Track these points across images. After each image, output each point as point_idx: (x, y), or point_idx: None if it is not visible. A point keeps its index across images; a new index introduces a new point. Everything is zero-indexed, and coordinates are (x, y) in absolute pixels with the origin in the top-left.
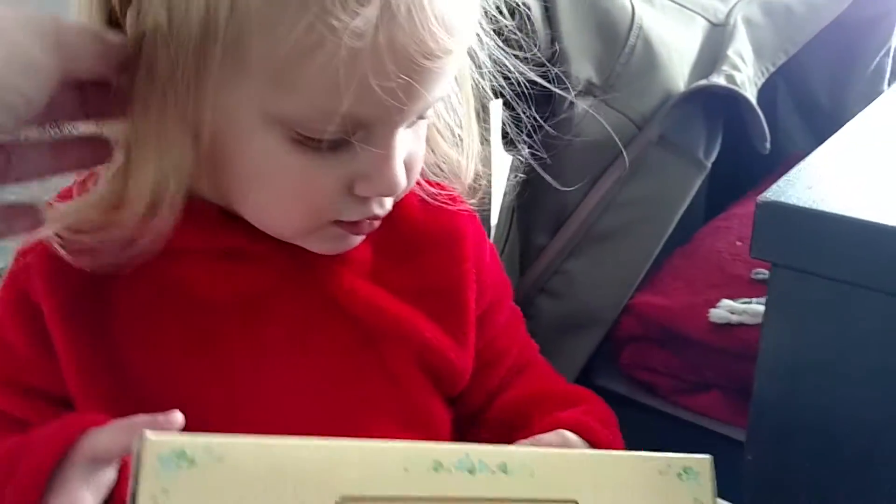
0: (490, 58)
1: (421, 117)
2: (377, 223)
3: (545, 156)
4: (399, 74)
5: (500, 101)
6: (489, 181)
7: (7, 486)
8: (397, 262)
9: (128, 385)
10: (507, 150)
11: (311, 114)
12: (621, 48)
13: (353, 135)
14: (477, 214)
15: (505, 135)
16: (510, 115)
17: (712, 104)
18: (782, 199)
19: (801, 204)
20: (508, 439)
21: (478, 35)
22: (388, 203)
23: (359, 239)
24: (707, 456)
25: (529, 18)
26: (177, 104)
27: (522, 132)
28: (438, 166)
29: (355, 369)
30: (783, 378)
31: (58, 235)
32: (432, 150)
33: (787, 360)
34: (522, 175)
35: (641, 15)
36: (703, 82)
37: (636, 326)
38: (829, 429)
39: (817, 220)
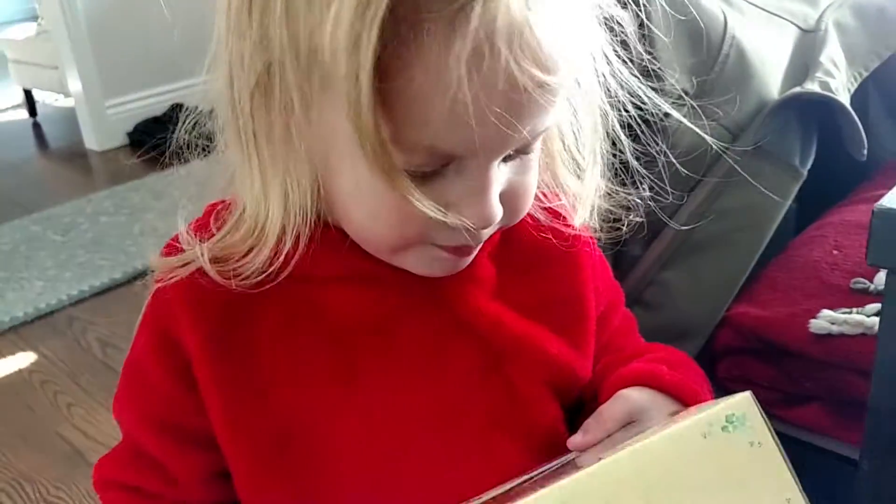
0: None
1: (523, 152)
2: (475, 251)
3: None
4: (492, 109)
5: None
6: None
7: None
8: (519, 277)
9: (270, 415)
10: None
11: (400, 143)
12: (715, 58)
13: (446, 166)
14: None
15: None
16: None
17: (807, 111)
18: None
19: None
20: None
21: (608, 61)
22: (485, 234)
23: (463, 263)
24: (745, 393)
25: (624, 31)
26: (296, 129)
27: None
28: (557, 195)
29: (483, 390)
30: None
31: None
32: (552, 178)
33: None
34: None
35: (733, 24)
36: (797, 90)
37: (733, 338)
38: None
39: None
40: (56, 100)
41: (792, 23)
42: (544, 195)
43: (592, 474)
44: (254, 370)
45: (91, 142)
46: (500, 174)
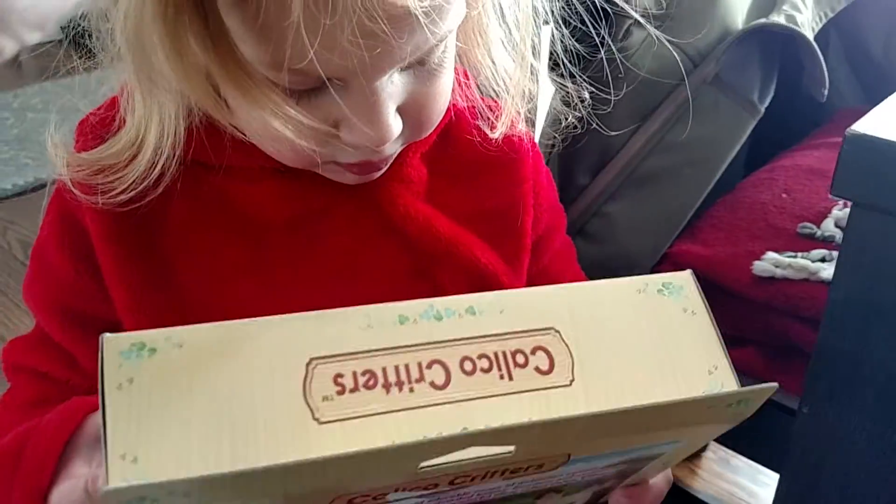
0: None
1: (421, 62)
2: (387, 163)
3: (592, 90)
4: (344, 35)
5: (550, 26)
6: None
7: (17, 472)
8: (454, 183)
9: (177, 302)
10: (553, 80)
11: (268, 65)
12: None
13: (329, 83)
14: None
15: (553, 63)
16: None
17: (770, 45)
18: (874, 133)
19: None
20: None
21: None
22: (388, 150)
23: (377, 174)
24: (686, 271)
25: None
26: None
27: (570, 62)
28: (492, 82)
29: (408, 294)
30: (852, 329)
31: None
32: (491, 60)
33: (860, 309)
34: (570, 111)
35: None
36: (762, 20)
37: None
38: None
39: None
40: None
41: None
42: (485, 103)
43: (523, 293)
44: (159, 257)
45: None
46: (395, 87)
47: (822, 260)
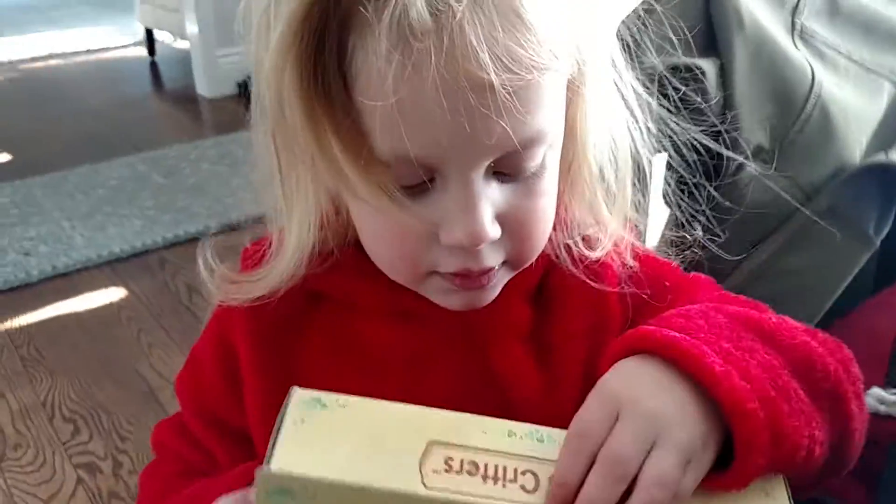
0: (658, 119)
1: (516, 171)
2: (490, 281)
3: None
4: (434, 108)
5: (664, 156)
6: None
7: None
8: (552, 319)
9: None
10: (667, 204)
11: (372, 156)
12: (797, 116)
13: (432, 182)
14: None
15: (665, 195)
16: (674, 178)
17: (889, 179)
18: None
19: None
20: None
21: (634, 91)
22: (488, 260)
23: (481, 297)
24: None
25: (704, 81)
26: (302, 168)
27: (685, 195)
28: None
29: None
30: None
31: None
32: (589, 211)
33: None
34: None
35: (821, 80)
36: (881, 158)
37: None
38: None
39: None
40: (174, 41)
41: (890, 81)
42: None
43: None
44: (291, 383)
45: (202, 87)
46: (491, 191)
47: None
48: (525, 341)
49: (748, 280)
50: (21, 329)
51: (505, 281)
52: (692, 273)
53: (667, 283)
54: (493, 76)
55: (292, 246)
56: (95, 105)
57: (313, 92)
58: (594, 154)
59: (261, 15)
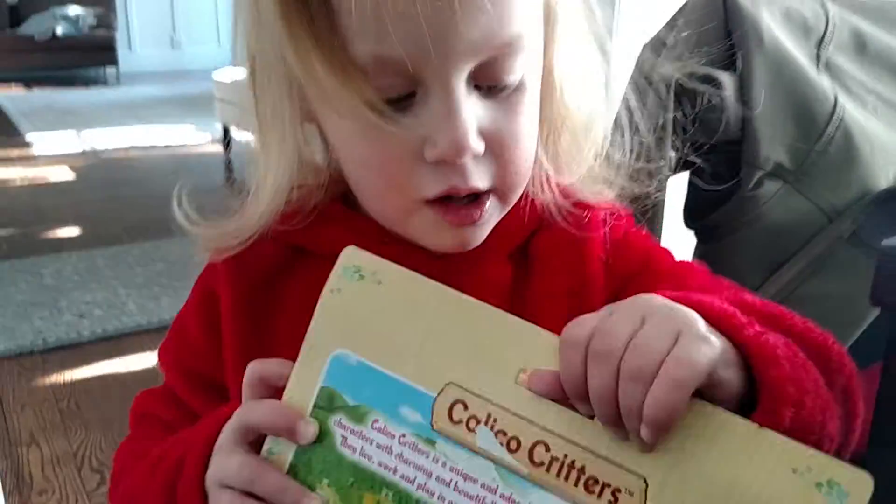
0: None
1: (496, 81)
2: (482, 217)
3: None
4: (423, 3)
5: (686, 174)
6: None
7: (179, 481)
8: (532, 278)
9: None
10: (687, 225)
11: (352, 64)
12: (819, 136)
13: (414, 95)
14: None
15: (688, 210)
16: (690, 183)
17: None
18: None
19: None
20: None
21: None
22: (473, 178)
23: (470, 233)
24: (864, 473)
25: (721, 93)
26: (281, 95)
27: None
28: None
29: None
30: None
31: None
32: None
33: None
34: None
35: (844, 105)
36: None
37: None
38: None
39: None
40: (249, 142)
41: None
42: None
43: None
44: (269, 334)
45: None
46: (473, 104)
47: None
48: (503, 300)
49: None
50: (65, 384)
51: (494, 217)
52: (686, 260)
53: (661, 266)
54: None
55: (269, 185)
56: (164, 192)
57: (291, 1)
58: (571, 99)
59: None
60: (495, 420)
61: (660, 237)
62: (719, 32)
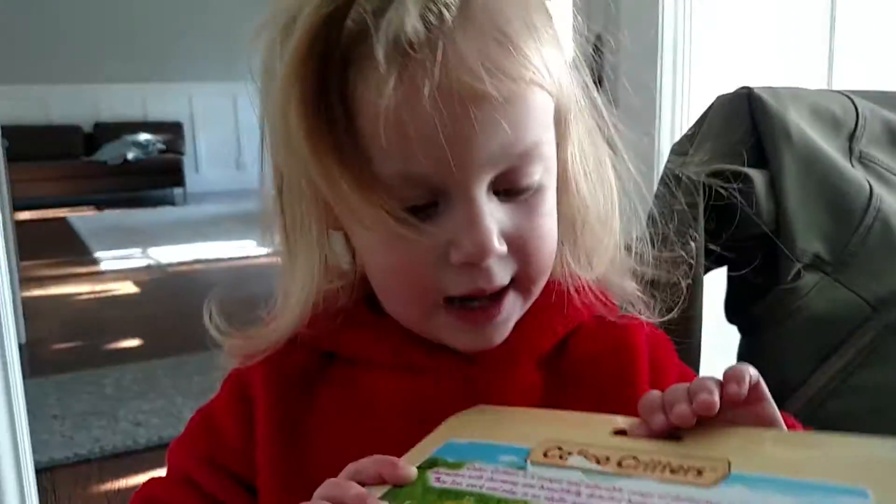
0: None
1: (516, 189)
2: (501, 312)
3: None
4: (434, 120)
5: (723, 270)
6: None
7: None
8: (567, 390)
9: (307, 480)
10: (729, 320)
11: (377, 180)
12: (856, 227)
13: (436, 205)
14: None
15: (729, 304)
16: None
17: None
18: None
19: None
20: None
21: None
22: (496, 278)
23: (491, 332)
24: None
25: (752, 189)
26: (307, 208)
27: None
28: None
29: None
30: None
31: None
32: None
33: None
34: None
35: (881, 195)
36: None
37: None
38: None
39: None
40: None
41: None
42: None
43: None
44: (303, 439)
45: None
46: (494, 209)
47: None
48: (534, 405)
49: (820, 395)
50: (118, 490)
51: (516, 313)
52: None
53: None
54: (487, 85)
55: (296, 293)
56: (224, 302)
57: (317, 121)
58: (587, 195)
59: (267, 53)
60: (587, 449)
61: (700, 334)
62: (746, 132)
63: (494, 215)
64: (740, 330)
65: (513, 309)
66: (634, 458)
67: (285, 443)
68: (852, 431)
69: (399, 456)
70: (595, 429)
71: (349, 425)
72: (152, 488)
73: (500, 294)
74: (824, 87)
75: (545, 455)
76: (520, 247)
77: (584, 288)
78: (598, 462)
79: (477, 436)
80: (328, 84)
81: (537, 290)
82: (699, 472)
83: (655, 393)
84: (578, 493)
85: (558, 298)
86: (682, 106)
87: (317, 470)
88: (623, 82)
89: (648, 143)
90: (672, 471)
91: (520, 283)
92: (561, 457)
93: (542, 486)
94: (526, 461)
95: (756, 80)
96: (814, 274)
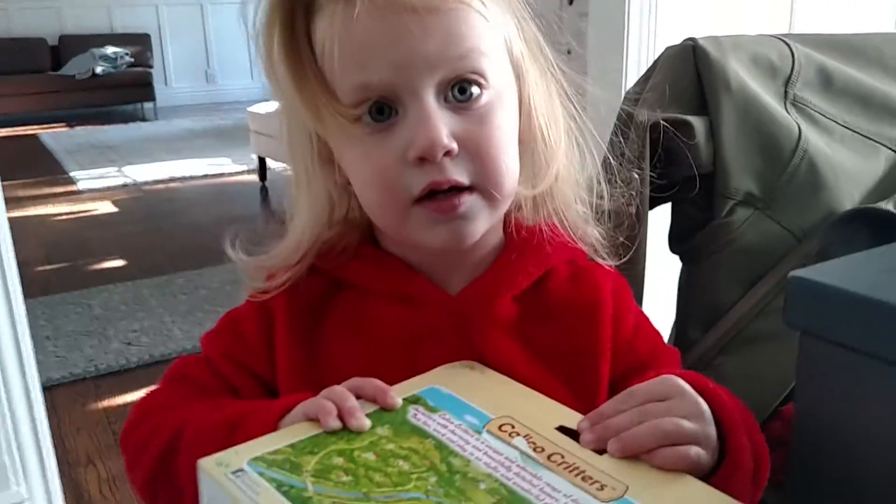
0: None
1: (461, 89)
2: (461, 205)
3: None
4: (382, 32)
5: (668, 206)
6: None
7: (236, 435)
8: (540, 323)
9: (317, 384)
10: (672, 250)
11: (343, 96)
12: (785, 166)
13: (397, 113)
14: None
15: (672, 236)
16: (672, 213)
17: (881, 230)
18: None
19: None
20: None
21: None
22: (451, 172)
23: (461, 227)
24: None
25: (693, 134)
26: (302, 139)
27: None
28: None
29: None
30: None
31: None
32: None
33: None
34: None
35: (808, 137)
36: (865, 206)
37: (785, 432)
38: None
39: None
40: (284, 170)
41: (889, 148)
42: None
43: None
44: (315, 351)
45: None
46: (445, 115)
47: None
48: (510, 334)
49: (748, 316)
50: (116, 407)
51: (482, 214)
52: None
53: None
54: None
55: (303, 216)
56: (205, 221)
57: (292, 61)
58: (539, 126)
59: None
60: (530, 436)
61: (644, 262)
62: (691, 81)
63: (444, 119)
64: (682, 259)
65: (476, 209)
66: (562, 456)
67: (300, 352)
68: (777, 349)
69: (390, 372)
70: (547, 418)
71: (352, 343)
72: (185, 367)
73: (460, 191)
74: (787, 31)
75: (499, 428)
76: (472, 150)
77: (556, 235)
78: (534, 449)
79: (456, 390)
80: (297, 30)
81: (501, 198)
82: (602, 487)
83: (603, 412)
84: (509, 469)
85: (534, 244)
86: (647, 62)
87: (324, 376)
88: (594, 45)
89: (615, 97)
90: (584, 478)
91: (479, 187)
92: (510, 434)
93: (486, 453)
94: (483, 428)
95: (720, 29)
96: (746, 209)
